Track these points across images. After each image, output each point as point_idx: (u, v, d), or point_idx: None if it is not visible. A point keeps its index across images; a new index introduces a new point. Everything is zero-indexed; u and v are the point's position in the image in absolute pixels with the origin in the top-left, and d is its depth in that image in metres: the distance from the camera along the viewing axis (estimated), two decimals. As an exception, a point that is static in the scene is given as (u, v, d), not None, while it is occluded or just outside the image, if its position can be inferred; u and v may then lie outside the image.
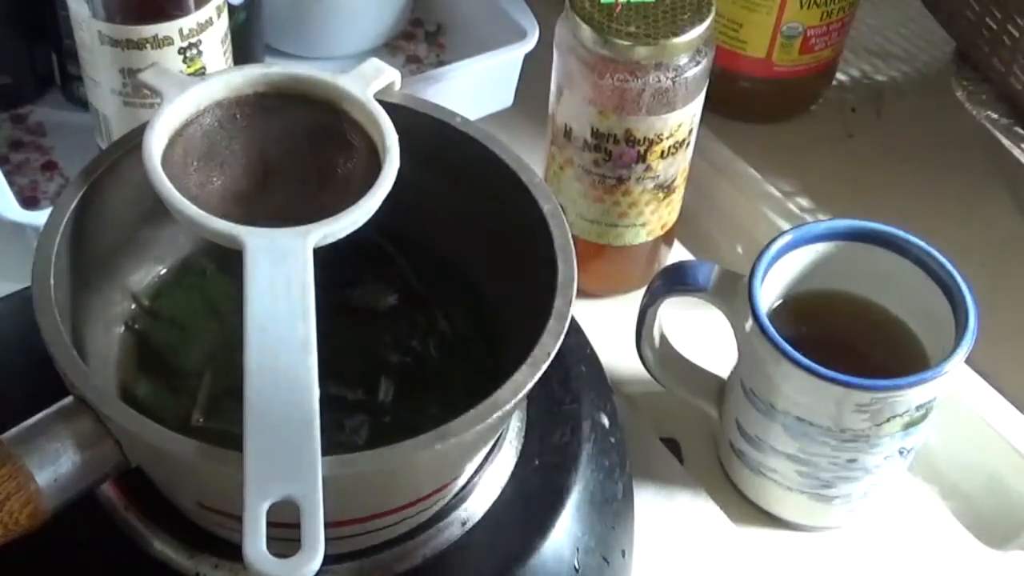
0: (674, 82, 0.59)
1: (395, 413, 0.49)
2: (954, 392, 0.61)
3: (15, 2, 0.70)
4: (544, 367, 0.42)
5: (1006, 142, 0.71)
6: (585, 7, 0.59)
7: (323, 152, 0.46)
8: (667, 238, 0.68)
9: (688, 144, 0.62)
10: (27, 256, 0.44)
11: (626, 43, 0.57)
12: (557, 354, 0.42)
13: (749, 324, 0.55)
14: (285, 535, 0.36)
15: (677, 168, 0.62)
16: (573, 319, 0.44)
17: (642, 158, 0.61)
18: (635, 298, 0.59)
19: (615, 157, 0.61)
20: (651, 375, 0.61)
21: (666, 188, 0.63)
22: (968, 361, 0.54)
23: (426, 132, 0.49)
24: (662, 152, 0.61)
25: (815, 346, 0.54)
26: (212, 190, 0.44)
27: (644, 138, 0.60)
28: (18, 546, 0.39)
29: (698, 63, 0.59)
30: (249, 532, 0.36)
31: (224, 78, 0.46)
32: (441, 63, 0.82)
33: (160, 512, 0.46)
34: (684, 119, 0.61)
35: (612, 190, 0.62)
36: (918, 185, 0.76)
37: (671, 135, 0.61)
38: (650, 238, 0.65)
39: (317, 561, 0.36)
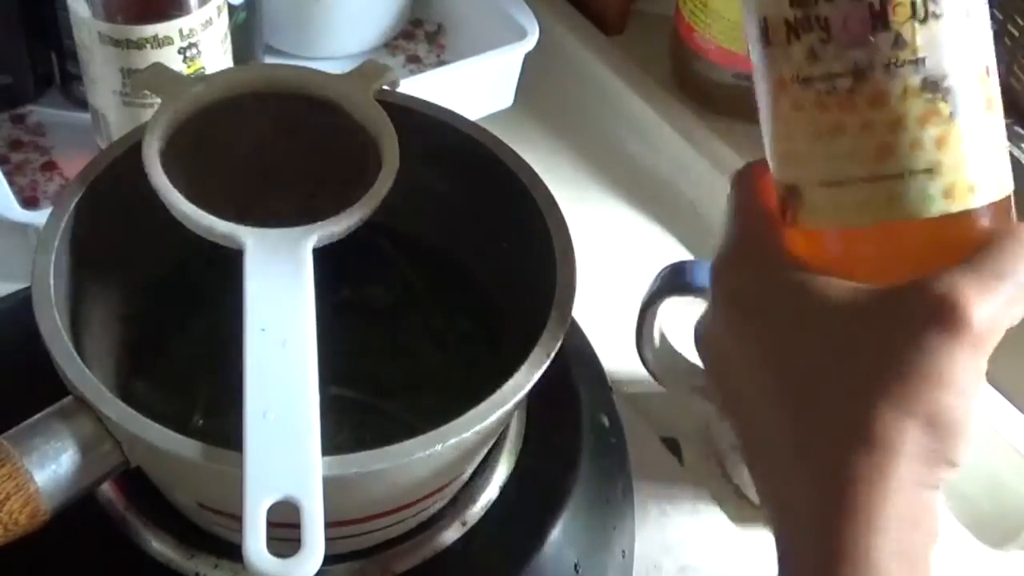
0: None
1: (395, 413, 0.49)
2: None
3: (15, 2, 0.70)
4: (544, 367, 0.42)
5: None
6: None
7: (323, 152, 0.46)
8: (1000, 213, 0.38)
9: (969, 7, 0.38)
10: (27, 256, 0.44)
11: None
12: (557, 354, 0.42)
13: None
14: (285, 535, 0.36)
15: (956, 53, 0.37)
16: (573, 319, 0.44)
17: (880, 18, 0.36)
18: (635, 298, 0.59)
19: (835, 27, 0.37)
20: (651, 375, 0.61)
21: (948, 92, 0.37)
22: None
23: (426, 132, 0.49)
24: (914, 6, 0.36)
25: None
26: (212, 190, 0.44)
27: None
28: (18, 546, 0.39)
29: None
30: (249, 532, 0.35)
31: (224, 78, 0.46)
32: (441, 63, 0.82)
33: (160, 512, 0.46)
34: None
35: (851, 101, 0.37)
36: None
37: None
38: (953, 205, 0.37)
39: (317, 561, 0.36)
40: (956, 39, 0.37)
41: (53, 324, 0.41)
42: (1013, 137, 0.71)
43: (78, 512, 0.41)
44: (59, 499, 0.40)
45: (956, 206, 0.37)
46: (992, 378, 0.63)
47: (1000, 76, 0.72)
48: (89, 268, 0.47)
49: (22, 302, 0.43)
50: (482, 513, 0.49)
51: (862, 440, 0.35)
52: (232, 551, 0.42)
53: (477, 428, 0.40)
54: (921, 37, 0.36)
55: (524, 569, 0.48)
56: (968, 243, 0.37)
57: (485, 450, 0.49)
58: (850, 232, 0.38)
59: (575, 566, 0.49)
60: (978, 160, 0.38)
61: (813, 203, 0.38)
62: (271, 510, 0.36)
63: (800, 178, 0.38)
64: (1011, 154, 0.72)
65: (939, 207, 0.37)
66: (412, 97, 0.50)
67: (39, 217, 0.62)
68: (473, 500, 0.49)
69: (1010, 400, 0.64)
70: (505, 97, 0.77)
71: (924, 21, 0.37)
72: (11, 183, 0.66)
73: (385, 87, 0.48)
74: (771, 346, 0.38)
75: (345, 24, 0.79)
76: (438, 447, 0.40)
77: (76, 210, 0.45)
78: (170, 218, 0.43)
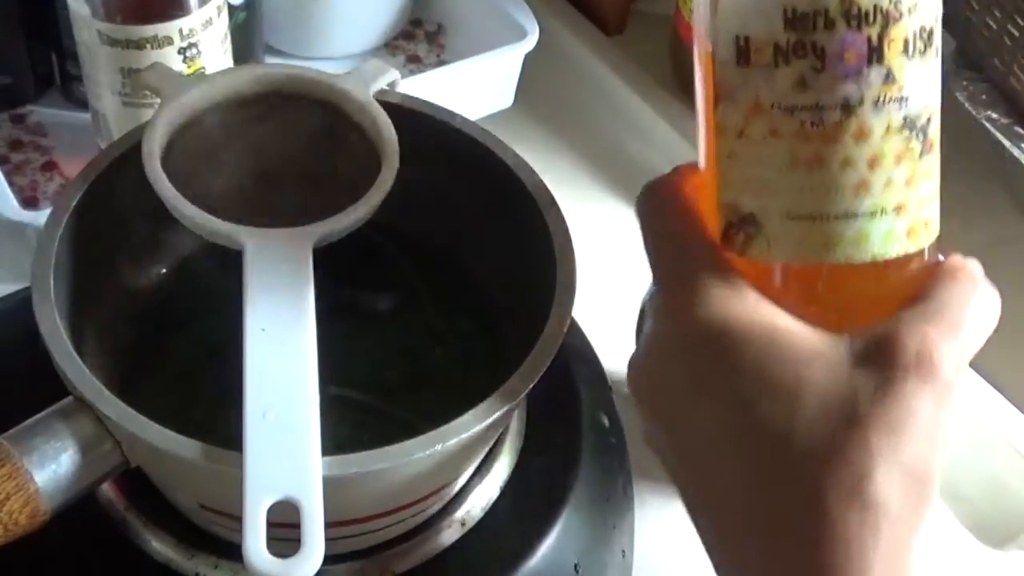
0: None
1: (395, 413, 0.49)
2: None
3: (15, 2, 0.70)
4: (544, 367, 0.42)
5: (1006, 142, 0.71)
6: None
7: (323, 152, 0.46)
8: (933, 251, 0.39)
9: (938, 46, 0.37)
10: (27, 256, 0.44)
11: None
12: (557, 354, 0.42)
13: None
14: (285, 535, 0.36)
15: (929, 92, 0.37)
16: (573, 319, 0.44)
17: (876, 51, 0.35)
18: (635, 298, 0.59)
19: (831, 57, 0.35)
20: (651, 375, 0.61)
21: (920, 131, 0.37)
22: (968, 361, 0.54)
23: (426, 132, 0.49)
24: (906, 43, 0.36)
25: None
26: (212, 190, 0.44)
27: (875, 7, 0.35)
28: (18, 546, 0.39)
29: None
30: (249, 532, 0.36)
31: (224, 78, 0.46)
32: (441, 63, 0.82)
33: (160, 512, 0.46)
34: None
35: (836, 135, 0.36)
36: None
37: (914, 3, 0.36)
38: (912, 245, 0.37)
39: (317, 561, 0.36)
40: (932, 78, 0.37)
41: (53, 324, 0.41)
42: (1013, 137, 0.71)
43: (78, 512, 0.41)
44: (59, 499, 0.40)
45: (914, 245, 0.37)
46: (992, 378, 0.64)
47: (1000, 76, 0.73)
48: (89, 268, 0.47)
49: (22, 302, 0.43)
50: (482, 513, 0.49)
51: (854, 498, 0.34)
52: (232, 551, 0.42)
53: (477, 428, 0.40)
54: (908, 74, 0.36)
55: (524, 569, 0.48)
56: (914, 282, 0.37)
57: (485, 450, 0.49)
58: (805, 268, 0.37)
59: (575, 566, 0.49)
60: (932, 199, 0.38)
61: (773, 235, 0.37)
62: (271, 510, 0.36)
63: (762, 208, 0.37)
64: (1011, 154, 0.72)
65: (902, 247, 0.37)
66: (412, 97, 0.50)
67: (39, 217, 0.62)
68: (473, 500, 0.49)
69: (1010, 400, 0.64)
70: (505, 97, 0.77)
71: (911, 58, 0.36)
72: (11, 183, 0.66)
73: (385, 87, 0.48)
74: (735, 398, 0.35)
75: (345, 24, 0.79)
76: (438, 447, 0.40)
77: (76, 210, 0.45)
78: (170, 218, 0.43)
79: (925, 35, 0.36)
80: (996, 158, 0.74)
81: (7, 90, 0.74)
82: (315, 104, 0.47)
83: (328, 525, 0.36)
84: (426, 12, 0.85)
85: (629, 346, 0.60)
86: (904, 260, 0.37)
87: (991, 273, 0.39)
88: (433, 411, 0.47)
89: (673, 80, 0.80)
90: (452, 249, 0.53)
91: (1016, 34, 0.71)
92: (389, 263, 0.53)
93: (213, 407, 0.48)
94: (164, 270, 0.52)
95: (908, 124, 0.36)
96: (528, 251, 0.47)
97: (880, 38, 0.35)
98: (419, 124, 0.48)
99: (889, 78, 0.36)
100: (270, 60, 0.78)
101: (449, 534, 0.48)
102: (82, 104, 0.69)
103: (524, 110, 0.78)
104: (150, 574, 0.46)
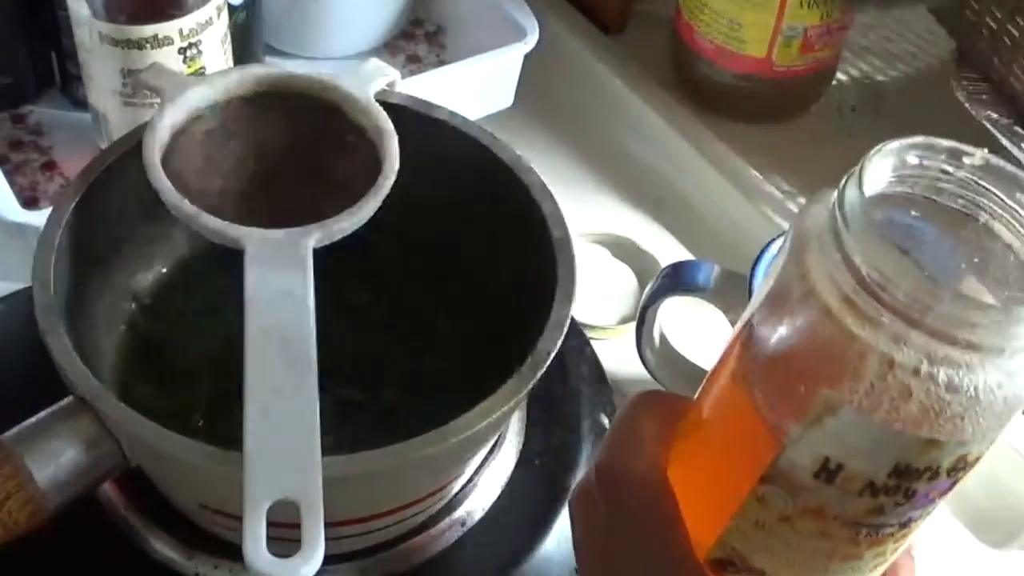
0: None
1: (395, 413, 0.49)
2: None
3: (15, 2, 0.70)
4: (544, 367, 0.42)
5: (1006, 142, 0.71)
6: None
7: (323, 152, 0.46)
8: None
9: None
10: (27, 256, 0.44)
11: None
12: (557, 354, 0.42)
13: (749, 325, 0.54)
14: (285, 535, 0.36)
15: None
16: (573, 319, 0.44)
17: (952, 486, 0.37)
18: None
19: (918, 497, 0.35)
20: (651, 375, 0.61)
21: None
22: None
23: (426, 132, 0.49)
24: (965, 468, 0.37)
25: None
26: (212, 190, 0.44)
27: (975, 457, 0.36)
28: (18, 546, 0.39)
29: None
30: (249, 532, 0.36)
31: (224, 78, 0.46)
32: (441, 63, 0.81)
33: (160, 512, 0.46)
34: None
35: (884, 543, 0.36)
36: (918, 185, 0.76)
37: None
38: None
39: (317, 561, 0.36)
40: None
41: (53, 324, 0.41)
42: (1013, 137, 0.71)
43: (78, 512, 0.41)
44: (59, 499, 0.40)
45: None
46: (992, 378, 0.64)
47: (1000, 76, 0.72)
48: (89, 269, 0.47)
49: (22, 302, 0.43)
50: (482, 513, 0.49)
51: None
52: (232, 551, 0.42)
53: (477, 428, 0.40)
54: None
55: (524, 569, 0.48)
56: None
57: (485, 450, 0.49)
58: None
59: (575, 567, 0.49)
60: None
61: None
62: (271, 510, 0.36)
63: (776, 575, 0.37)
64: (1012, 154, 0.72)
65: None
66: (412, 97, 0.50)
67: (39, 217, 0.61)
68: (473, 500, 0.49)
69: (1010, 400, 0.63)
70: (505, 97, 0.77)
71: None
72: (11, 183, 0.66)
73: (385, 87, 0.48)
74: None
75: (345, 24, 0.79)
76: (438, 447, 0.40)
77: (76, 210, 0.45)
78: (170, 218, 0.43)
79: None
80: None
81: (7, 90, 0.74)
82: (315, 104, 0.47)
83: (328, 525, 0.36)
84: (426, 12, 0.85)
85: (629, 346, 0.60)
86: None
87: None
88: (433, 411, 0.47)
89: (673, 80, 0.80)
90: (452, 249, 0.53)
91: (1016, 34, 0.71)
92: (389, 263, 0.53)
93: (213, 407, 0.48)
94: (164, 270, 0.52)
95: (929, 513, 0.37)
96: (528, 251, 0.47)
97: (960, 477, 0.36)
98: (419, 124, 0.48)
99: (940, 497, 0.36)
100: (270, 60, 0.77)
101: (449, 534, 0.48)
102: (82, 104, 0.68)
103: (524, 110, 0.78)
104: (150, 574, 0.46)
